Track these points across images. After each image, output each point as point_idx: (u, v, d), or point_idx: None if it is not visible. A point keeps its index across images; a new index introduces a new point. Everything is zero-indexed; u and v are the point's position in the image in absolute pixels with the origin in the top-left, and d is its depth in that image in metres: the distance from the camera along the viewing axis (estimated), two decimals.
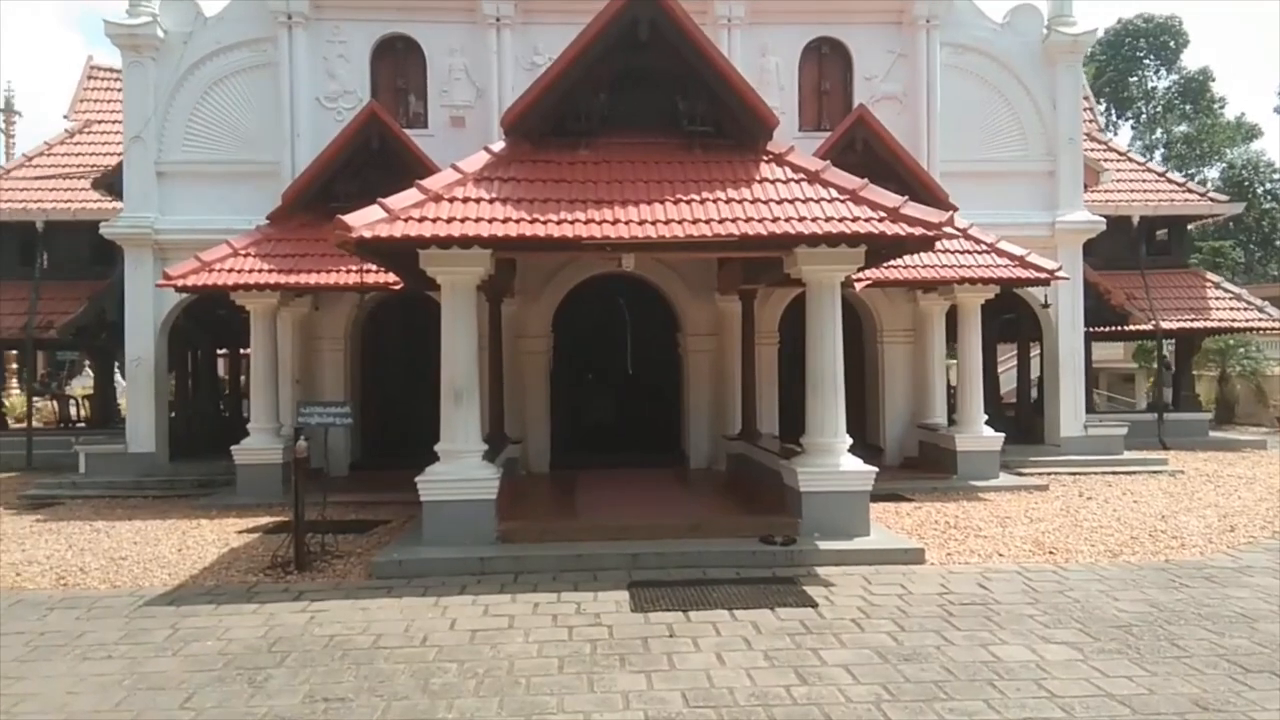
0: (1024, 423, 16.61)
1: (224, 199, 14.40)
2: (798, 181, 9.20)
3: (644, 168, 9.47)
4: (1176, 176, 20.42)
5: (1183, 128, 47.71)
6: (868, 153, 13.29)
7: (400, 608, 7.21)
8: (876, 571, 8.19)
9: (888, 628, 6.64)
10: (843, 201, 8.85)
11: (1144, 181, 19.46)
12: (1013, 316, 16.61)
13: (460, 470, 8.84)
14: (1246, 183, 42.34)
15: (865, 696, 5.36)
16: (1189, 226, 20.60)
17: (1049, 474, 14.15)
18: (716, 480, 12.92)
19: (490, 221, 8.50)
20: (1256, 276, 41.92)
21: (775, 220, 8.58)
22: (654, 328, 15.65)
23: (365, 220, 8.30)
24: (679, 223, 8.58)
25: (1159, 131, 48.51)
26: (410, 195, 8.71)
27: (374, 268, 11.91)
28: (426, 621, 6.85)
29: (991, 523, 10.52)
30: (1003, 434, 13.59)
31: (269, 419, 12.72)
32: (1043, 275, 12.68)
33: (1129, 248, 18.76)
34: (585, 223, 8.58)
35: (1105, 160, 18.36)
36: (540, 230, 8.45)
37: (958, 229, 8.49)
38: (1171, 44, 48.79)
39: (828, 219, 8.58)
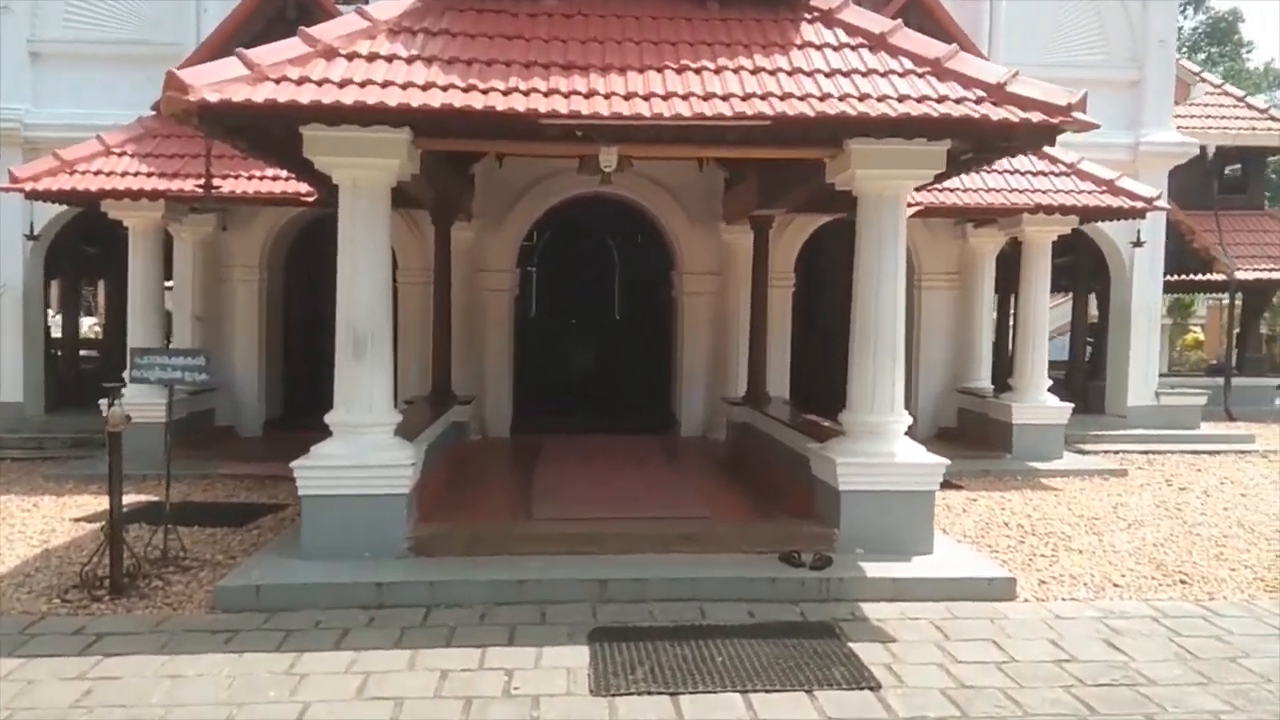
0: (1076, 387, 14.03)
1: (113, 88, 11.51)
2: (855, 48, 6.40)
3: (635, 24, 6.65)
4: (1257, 101, 17.57)
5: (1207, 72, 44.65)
6: None
7: (232, 675, 4.62)
8: (952, 615, 5.65)
9: None
10: (920, 75, 6.09)
11: (1220, 106, 16.63)
12: (1067, 260, 13.94)
13: (359, 452, 6.15)
14: None
15: None
16: (1268, 160, 17.86)
17: (1118, 452, 11.67)
18: (715, 455, 10.31)
19: (406, 88, 5.73)
20: None
21: (825, 98, 5.82)
22: (645, 265, 13.00)
23: (213, 79, 5.53)
24: (683, 98, 5.82)
25: None
26: (289, 46, 5.93)
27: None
28: (262, 709, 4.27)
29: (1079, 527, 8.00)
30: (1070, 404, 11.04)
31: None
32: (1139, 205, 10.02)
33: (1201, 182, 16.00)
34: (546, 94, 5.82)
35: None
36: (478, 102, 5.68)
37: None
38: None
39: (901, 98, 5.83)
